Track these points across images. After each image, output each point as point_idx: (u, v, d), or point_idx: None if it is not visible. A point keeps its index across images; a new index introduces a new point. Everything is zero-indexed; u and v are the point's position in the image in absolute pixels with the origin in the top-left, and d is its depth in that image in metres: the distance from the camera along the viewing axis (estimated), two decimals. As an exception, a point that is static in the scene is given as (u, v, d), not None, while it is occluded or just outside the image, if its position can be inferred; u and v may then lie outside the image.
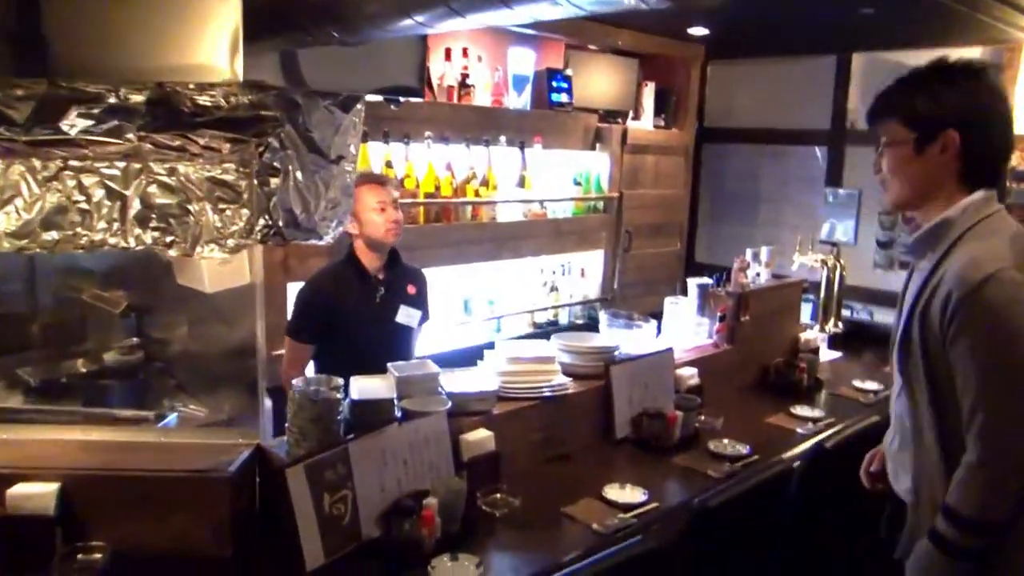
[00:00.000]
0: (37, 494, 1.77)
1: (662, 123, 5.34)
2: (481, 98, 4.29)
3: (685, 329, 3.42)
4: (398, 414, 2.13)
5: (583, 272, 4.89)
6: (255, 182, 1.78)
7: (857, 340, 4.10)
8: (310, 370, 2.77)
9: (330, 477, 1.89)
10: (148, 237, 1.80)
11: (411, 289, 2.92)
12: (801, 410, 3.08)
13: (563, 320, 4.80)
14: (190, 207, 1.79)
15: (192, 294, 2.28)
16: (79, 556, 1.75)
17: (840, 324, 3.99)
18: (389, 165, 3.69)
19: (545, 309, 4.66)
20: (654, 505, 2.23)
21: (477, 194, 4.06)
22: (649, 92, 5.23)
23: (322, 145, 1.91)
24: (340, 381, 2.08)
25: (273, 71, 3.57)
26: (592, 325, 3.89)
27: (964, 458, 1.58)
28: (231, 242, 1.80)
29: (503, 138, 4.18)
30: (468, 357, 2.78)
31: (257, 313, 2.11)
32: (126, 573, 1.76)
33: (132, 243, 1.79)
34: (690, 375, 2.99)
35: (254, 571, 1.87)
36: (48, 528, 1.75)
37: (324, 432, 1.98)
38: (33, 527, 1.74)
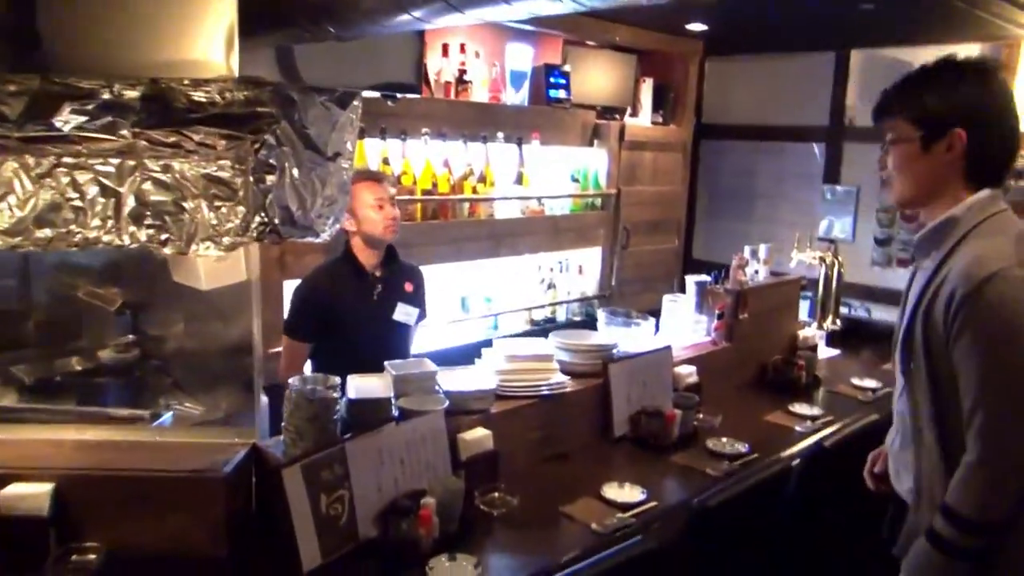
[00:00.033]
0: (31, 494, 1.75)
1: (660, 119, 5.32)
2: (479, 94, 4.27)
3: (683, 327, 3.41)
4: (395, 413, 2.11)
5: (581, 269, 4.88)
6: (251, 179, 1.76)
7: (855, 337, 4.10)
8: (308, 368, 2.76)
9: (327, 477, 1.88)
10: (143, 235, 1.78)
11: (408, 286, 2.90)
12: (800, 408, 3.08)
13: (561, 317, 4.78)
14: (185, 204, 1.77)
15: (188, 291, 2.26)
16: (73, 557, 1.74)
17: (838, 321, 3.99)
18: (386, 162, 3.68)
19: (543, 306, 4.65)
20: (653, 504, 2.22)
21: (474, 191, 4.04)
22: (647, 88, 5.21)
23: (318, 142, 1.90)
24: (337, 380, 2.07)
25: (269, 67, 3.53)
26: (590, 322, 3.87)
27: (964, 457, 1.57)
28: (226, 240, 1.78)
29: (501, 134, 4.16)
30: (465, 355, 2.77)
31: (253, 310, 2.10)
32: (121, 574, 1.75)
33: (126, 241, 1.78)
34: (688, 373, 2.98)
35: (250, 572, 1.86)
36: (42, 529, 1.74)
37: (321, 431, 1.96)
38: (27, 528, 1.73)
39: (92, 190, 1.77)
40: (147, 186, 1.77)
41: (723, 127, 5.72)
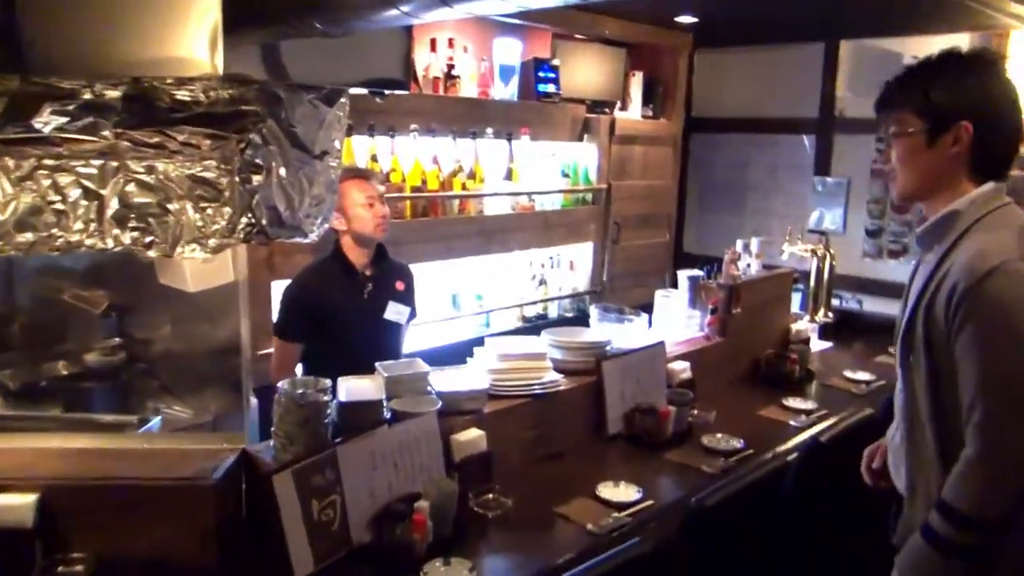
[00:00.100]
0: (15, 506, 1.71)
1: (650, 113, 5.30)
2: (467, 89, 4.23)
3: (676, 322, 3.39)
4: (387, 415, 2.08)
5: (572, 265, 4.86)
6: (237, 179, 1.73)
7: (847, 329, 4.10)
8: (299, 370, 2.73)
9: (318, 482, 1.85)
10: (127, 238, 1.74)
11: (399, 285, 2.88)
12: (793, 402, 3.07)
13: (552, 314, 4.77)
14: (170, 206, 1.73)
15: (175, 293, 2.23)
16: (60, 569, 1.70)
17: (830, 314, 3.98)
18: (375, 159, 3.64)
19: (534, 303, 4.63)
20: (649, 503, 2.20)
21: (464, 187, 4.01)
22: (637, 82, 5.19)
23: (306, 140, 1.86)
24: (327, 383, 2.03)
25: (254, 64, 3.50)
26: (581, 318, 3.86)
27: (963, 452, 1.56)
28: (213, 242, 1.74)
29: (490, 130, 4.12)
30: (457, 353, 2.75)
31: (241, 312, 2.06)
32: (109, 585, 1.71)
33: (110, 244, 1.74)
34: (682, 369, 2.96)
35: (241, 580, 1.83)
36: (28, 541, 1.70)
37: (311, 436, 1.93)
38: (11, 540, 1.69)
39: (74, 193, 1.73)
40: (130, 188, 1.73)
41: (713, 120, 5.70)
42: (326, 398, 1.99)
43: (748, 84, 5.53)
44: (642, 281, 5.17)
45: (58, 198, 1.73)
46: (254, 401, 2.21)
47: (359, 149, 3.60)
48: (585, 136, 4.82)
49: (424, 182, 3.82)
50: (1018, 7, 3.66)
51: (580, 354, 2.69)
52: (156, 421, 2.25)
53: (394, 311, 2.81)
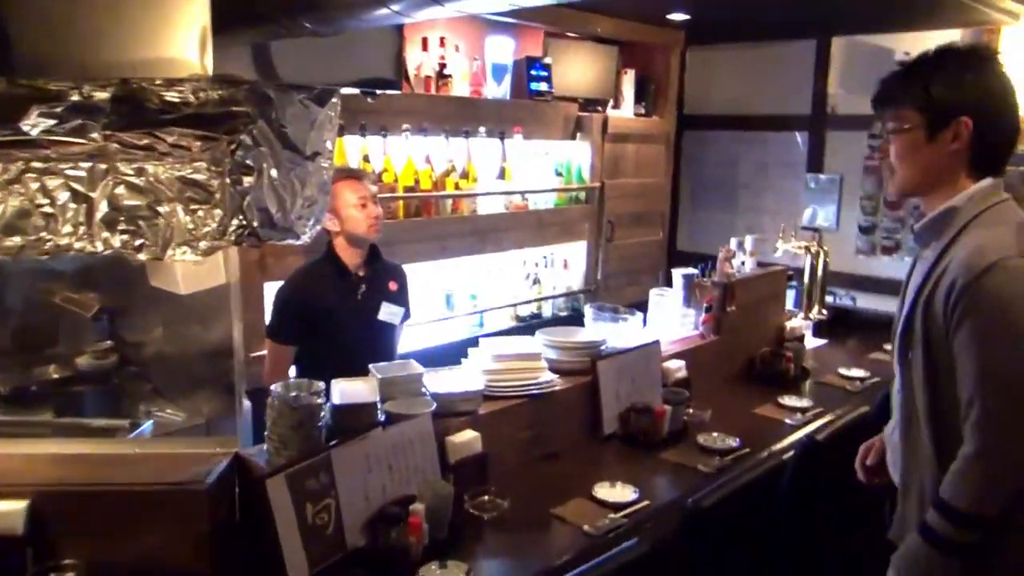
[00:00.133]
0: (5, 512, 1.69)
1: (642, 111, 5.30)
2: (459, 88, 4.22)
3: (671, 320, 3.38)
4: (381, 417, 2.07)
5: (566, 264, 4.85)
6: (227, 181, 1.70)
7: (841, 326, 4.10)
8: (293, 372, 2.71)
9: (312, 486, 1.83)
10: (116, 240, 1.72)
11: (392, 285, 2.86)
12: (789, 400, 3.06)
13: (546, 313, 4.75)
14: (160, 208, 1.71)
15: (166, 295, 2.21)
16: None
17: (824, 311, 3.97)
18: (367, 159, 3.62)
19: (528, 302, 4.62)
20: (645, 503, 2.19)
21: (457, 187, 3.99)
22: (629, 80, 5.18)
23: (297, 141, 1.84)
24: (321, 385, 2.02)
25: (244, 65, 3.48)
26: (576, 317, 3.85)
27: (961, 450, 1.55)
28: (203, 244, 1.72)
29: (482, 129, 4.11)
30: (451, 353, 2.73)
31: (233, 314, 2.04)
32: (101, 592, 1.69)
33: (100, 247, 1.71)
34: (677, 367, 2.95)
35: (235, 585, 1.81)
36: (18, 548, 1.67)
37: (305, 439, 1.91)
38: (1, 547, 1.66)
39: (63, 196, 1.70)
40: (120, 190, 1.71)
41: (705, 117, 5.70)
42: (320, 401, 1.98)
43: (740, 81, 5.53)
44: (636, 279, 5.16)
45: (46, 201, 1.70)
46: (247, 404, 2.19)
47: (351, 149, 3.58)
48: (578, 134, 4.81)
49: (417, 182, 3.80)
50: (1009, 3, 3.67)
51: (575, 354, 2.68)
52: (148, 425, 2.23)
53: (388, 312, 2.80)
